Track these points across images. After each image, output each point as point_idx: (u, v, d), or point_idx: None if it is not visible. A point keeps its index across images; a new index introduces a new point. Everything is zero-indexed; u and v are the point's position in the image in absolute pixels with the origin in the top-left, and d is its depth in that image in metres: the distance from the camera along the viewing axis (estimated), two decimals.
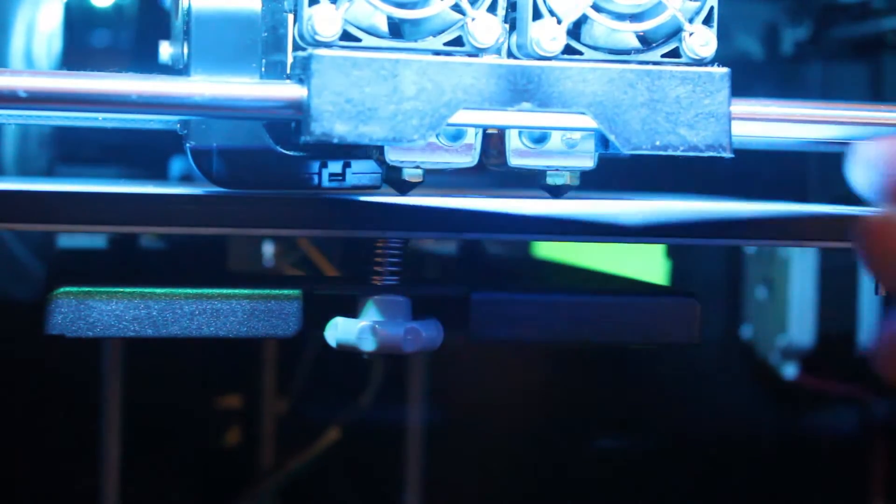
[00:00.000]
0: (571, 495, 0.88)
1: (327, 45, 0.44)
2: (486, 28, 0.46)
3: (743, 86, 0.48)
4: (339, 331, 0.49)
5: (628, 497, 0.89)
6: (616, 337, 0.51)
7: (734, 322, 0.86)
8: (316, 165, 0.50)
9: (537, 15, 0.46)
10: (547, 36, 0.46)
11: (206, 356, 0.83)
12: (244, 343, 0.78)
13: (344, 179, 0.50)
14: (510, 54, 0.47)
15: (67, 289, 0.47)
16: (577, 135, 0.49)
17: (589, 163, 0.49)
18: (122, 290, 0.47)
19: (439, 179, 0.57)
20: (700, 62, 0.47)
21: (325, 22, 0.44)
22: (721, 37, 0.47)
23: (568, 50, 0.47)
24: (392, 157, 0.47)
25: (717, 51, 0.47)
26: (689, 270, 0.87)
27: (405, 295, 0.49)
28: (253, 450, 0.83)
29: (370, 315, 0.49)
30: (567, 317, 0.51)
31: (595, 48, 0.47)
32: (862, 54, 0.78)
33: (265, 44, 0.48)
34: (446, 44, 0.46)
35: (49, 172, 0.73)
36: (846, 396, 0.86)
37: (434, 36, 0.46)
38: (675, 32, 0.47)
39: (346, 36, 0.45)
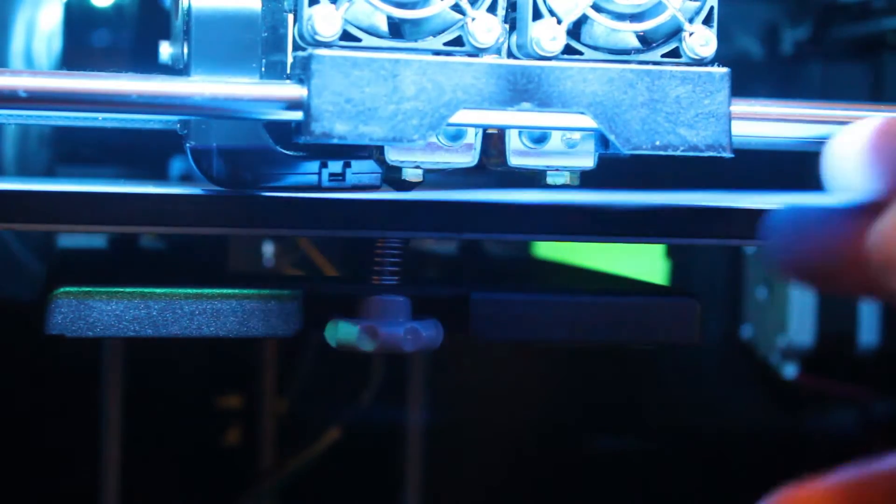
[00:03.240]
0: (571, 495, 0.88)
1: (327, 45, 0.44)
2: (486, 28, 0.45)
3: (743, 86, 0.48)
4: (339, 331, 0.49)
5: (628, 497, 0.89)
6: (616, 337, 0.51)
7: (734, 322, 0.86)
8: (316, 165, 0.50)
9: (537, 15, 0.46)
10: (547, 36, 0.46)
11: (206, 356, 0.82)
12: (244, 343, 0.78)
13: (344, 179, 0.50)
14: (510, 54, 0.47)
15: (67, 289, 0.47)
16: (577, 135, 0.49)
17: (589, 163, 0.49)
18: (122, 290, 0.47)
19: (439, 179, 0.57)
20: (700, 62, 0.47)
21: (325, 22, 0.44)
22: (721, 37, 0.47)
23: (568, 50, 0.46)
24: (392, 157, 0.47)
25: (717, 51, 0.47)
26: (689, 270, 0.87)
27: (405, 295, 0.49)
28: (253, 450, 0.83)
29: (370, 315, 0.49)
30: (567, 317, 0.51)
31: (595, 48, 0.47)
32: (862, 54, 0.78)
33: (265, 44, 0.48)
34: (446, 44, 0.46)
35: (49, 172, 0.73)
36: (846, 396, 0.86)
37: (434, 36, 0.46)
38: (675, 32, 0.47)
39: (346, 36, 0.45)
